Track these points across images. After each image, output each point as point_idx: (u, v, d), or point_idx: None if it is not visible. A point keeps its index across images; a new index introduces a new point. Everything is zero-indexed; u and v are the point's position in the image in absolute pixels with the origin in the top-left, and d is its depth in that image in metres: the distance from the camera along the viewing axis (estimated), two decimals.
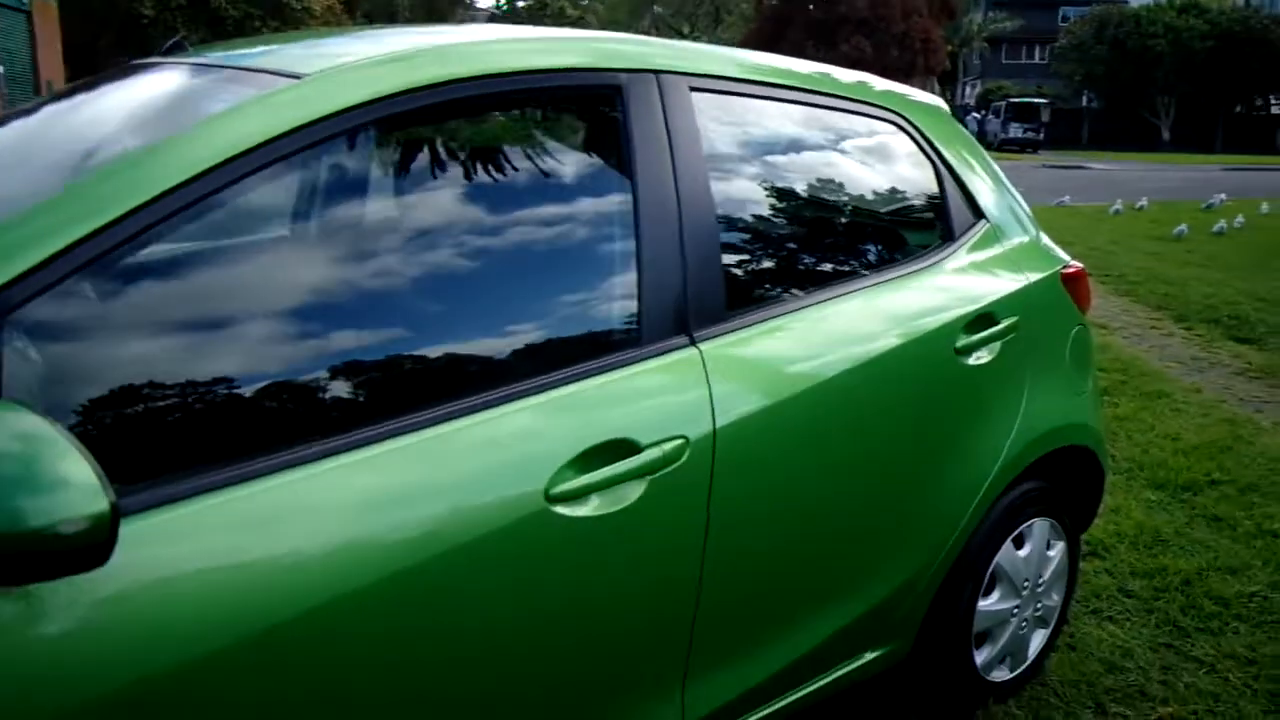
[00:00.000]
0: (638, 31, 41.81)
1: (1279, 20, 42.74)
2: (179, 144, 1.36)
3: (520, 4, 37.46)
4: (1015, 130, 41.29)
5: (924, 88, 27.48)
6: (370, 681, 1.41)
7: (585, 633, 1.66)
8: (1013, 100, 43.25)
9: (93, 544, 1.06)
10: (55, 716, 1.15)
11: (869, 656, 2.26)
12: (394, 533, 1.41)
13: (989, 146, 41.23)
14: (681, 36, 42.44)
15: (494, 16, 45.14)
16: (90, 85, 2.01)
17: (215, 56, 1.86)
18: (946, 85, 37.65)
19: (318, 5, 36.99)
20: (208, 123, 1.40)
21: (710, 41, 43.26)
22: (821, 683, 2.15)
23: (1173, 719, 2.57)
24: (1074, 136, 46.43)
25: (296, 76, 1.50)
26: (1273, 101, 47.14)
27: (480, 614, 1.51)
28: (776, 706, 2.06)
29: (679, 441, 1.67)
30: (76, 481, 1.05)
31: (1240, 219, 13.01)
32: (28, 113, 2.01)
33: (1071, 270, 2.65)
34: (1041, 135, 41.09)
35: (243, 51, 1.88)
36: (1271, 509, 3.86)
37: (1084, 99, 50.58)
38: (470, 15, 46.79)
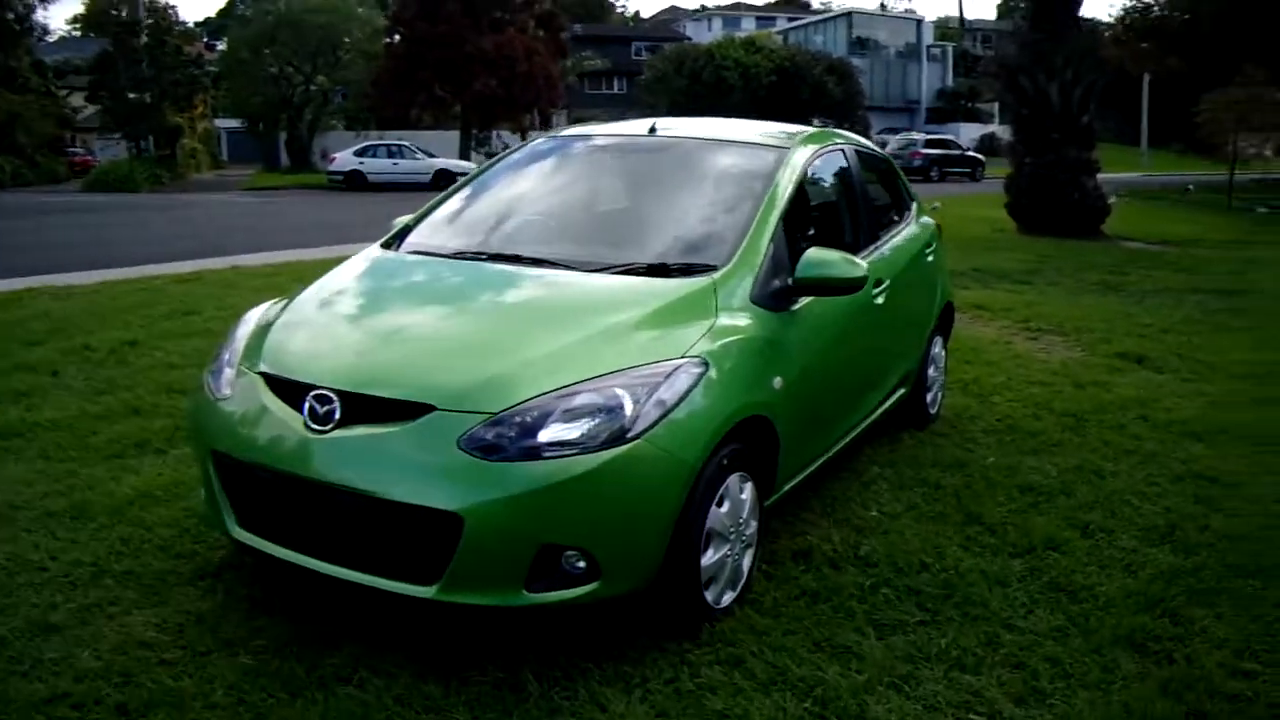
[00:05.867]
0: (263, 70, 41.71)
1: (817, 59, 51.69)
2: (781, 176, 3.94)
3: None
4: None
5: (549, 120, 30.66)
6: (838, 355, 4.08)
7: (876, 354, 4.46)
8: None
9: (860, 284, 3.68)
10: (802, 371, 3.68)
11: (901, 391, 5.16)
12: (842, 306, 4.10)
13: None
14: (304, 76, 42.86)
15: None
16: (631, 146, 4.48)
17: (695, 133, 4.41)
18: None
19: None
20: (783, 171, 3.97)
21: (332, 80, 44.10)
22: (896, 396, 5.03)
23: (1005, 420, 5.71)
24: None
25: (788, 149, 4.14)
26: (815, 123, 56.57)
27: (861, 341, 4.25)
28: (888, 404, 4.91)
29: (888, 281, 4.49)
30: (861, 266, 3.68)
31: None
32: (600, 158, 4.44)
33: (938, 223, 5.77)
34: None
35: (718, 136, 4.43)
36: (978, 366, 7.28)
37: None
38: None
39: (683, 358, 3.04)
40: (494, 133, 39.29)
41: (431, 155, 31.80)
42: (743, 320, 3.35)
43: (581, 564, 2.81)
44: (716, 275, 3.42)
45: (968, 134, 52.42)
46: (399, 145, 31.72)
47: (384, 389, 2.93)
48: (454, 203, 4.32)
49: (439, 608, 2.87)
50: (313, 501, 2.94)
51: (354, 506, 2.85)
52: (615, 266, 3.52)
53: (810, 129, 4.79)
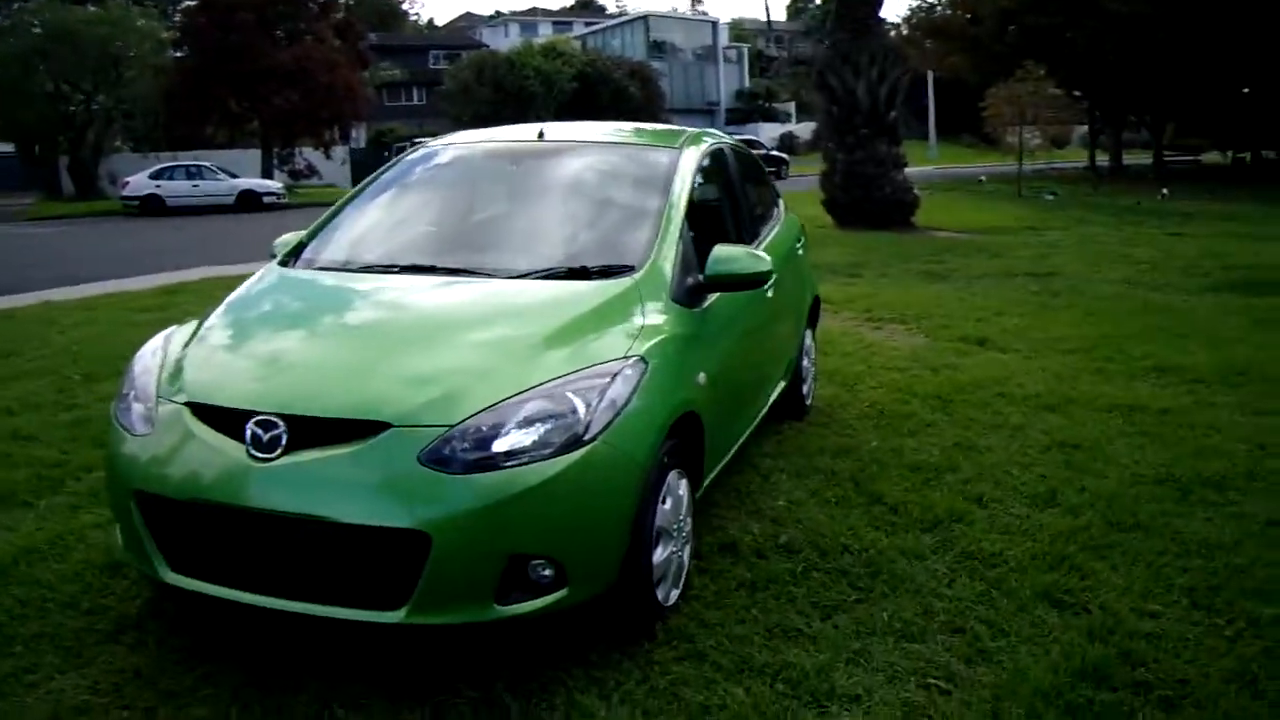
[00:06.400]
0: (36, 89, 38.65)
1: (617, 63, 52.49)
2: (680, 176, 4.04)
3: None
4: None
5: (348, 135, 29.98)
6: (741, 348, 4.23)
7: (768, 346, 4.62)
8: (415, 141, 47.67)
9: (768, 278, 3.82)
10: (718, 366, 3.80)
11: (783, 383, 5.36)
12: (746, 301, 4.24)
13: None
14: (84, 95, 40.17)
15: None
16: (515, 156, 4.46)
17: (585, 137, 4.47)
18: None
19: None
20: (681, 171, 4.07)
21: (112, 98, 41.38)
22: (780, 388, 5.22)
23: (875, 406, 6.02)
24: None
25: (679, 149, 4.24)
26: None
27: (758, 334, 4.42)
28: (775, 395, 5.09)
29: (776, 275, 4.66)
30: (766, 259, 3.81)
31: None
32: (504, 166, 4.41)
33: (802, 221, 6.03)
34: None
35: (609, 140, 4.52)
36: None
37: None
38: None
39: (625, 358, 3.09)
40: (297, 150, 37.92)
41: (234, 175, 30.45)
42: (667, 319, 3.43)
43: (548, 572, 2.82)
44: (638, 275, 3.48)
45: (767, 133, 54.37)
46: (198, 166, 30.17)
47: (334, 410, 2.85)
48: (350, 216, 4.20)
49: (398, 632, 2.82)
50: (262, 535, 2.83)
51: (309, 535, 2.77)
52: (535, 272, 3.54)
53: (689, 130, 4.92)
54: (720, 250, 3.75)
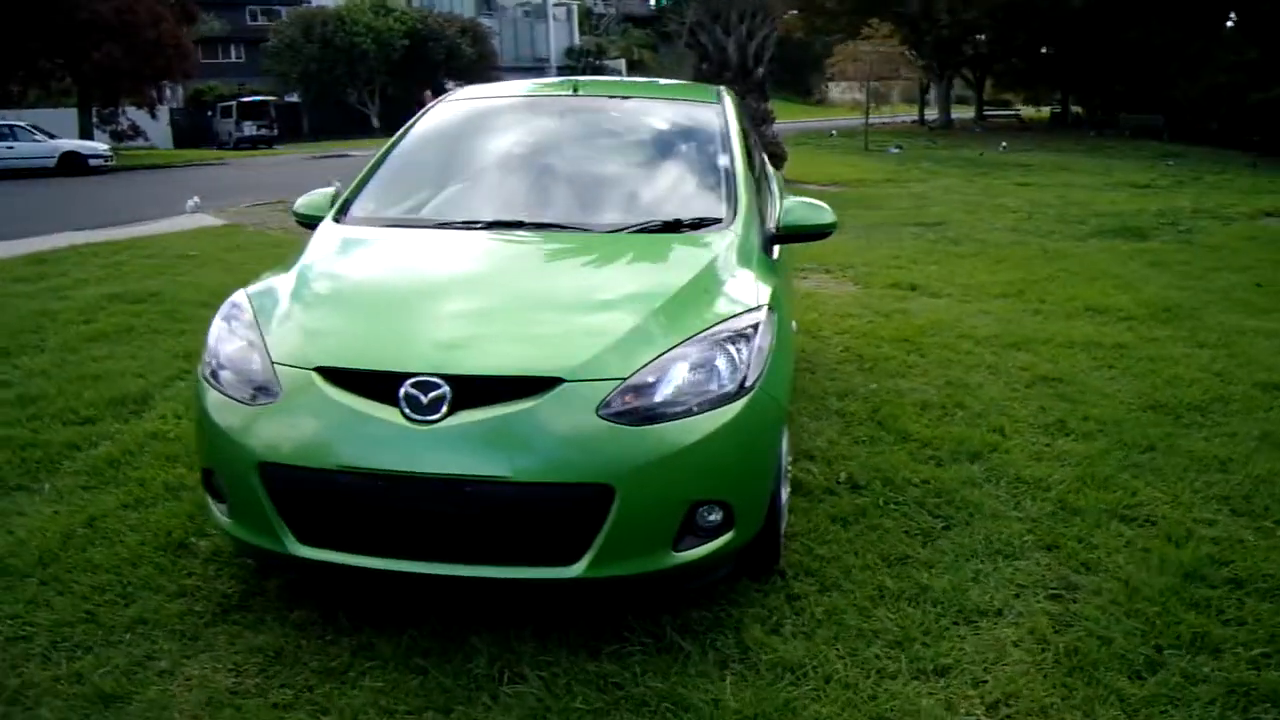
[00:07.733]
0: None
1: (449, 19, 51.22)
2: (733, 128, 4.09)
3: None
4: (249, 128, 43.86)
5: (163, 93, 28.19)
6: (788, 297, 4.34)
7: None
8: (242, 100, 45.53)
9: (834, 228, 3.92)
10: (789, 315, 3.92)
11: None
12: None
13: (223, 146, 40.25)
14: None
15: None
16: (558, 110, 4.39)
17: (623, 91, 4.44)
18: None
19: None
20: (731, 123, 4.12)
21: None
22: None
23: (850, 351, 6.25)
24: (297, 129, 49.09)
25: (719, 102, 4.28)
26: (448, 85, 56.17)
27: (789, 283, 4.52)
28: None
29: None
30: (829, 209, 3.91)
31: None
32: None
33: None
34: (275, 131, 44.11)
35: (654, 95, 4.49)
36: None
37: (296, 94, 54.01)
38: None
39: (757, 307, 3.14)
40: (120, 109, 35.42)
41: (53, 136, 28.19)
42: (765, 269, 3.51)
43: (714, 516, 2.86)
44: (734, 226, 3.54)
45: None
46: (11, 126, 27.73)
47: (503, 368, 2.79)
48: (397, 171, 4.04)
49: (568, 588, 2.80)
50: (424, 500, 2.75)
51: (482, 496, 2.71)
52: (629, 226, 3.54)
53: (704, 85, 4.97)
54: (790, 202, 3.86)
